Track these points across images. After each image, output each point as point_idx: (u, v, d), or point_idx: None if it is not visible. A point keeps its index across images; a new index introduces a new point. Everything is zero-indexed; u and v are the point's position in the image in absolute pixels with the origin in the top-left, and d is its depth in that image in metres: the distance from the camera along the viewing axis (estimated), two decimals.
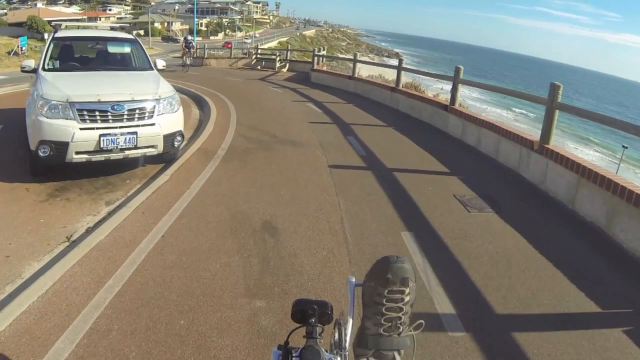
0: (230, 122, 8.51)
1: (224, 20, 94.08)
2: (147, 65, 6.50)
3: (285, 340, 1.06)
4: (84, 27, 7.22)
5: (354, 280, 1.24)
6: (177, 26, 79.01)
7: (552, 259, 3.66)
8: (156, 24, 75.74)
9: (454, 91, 8.78)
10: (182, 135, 5.55)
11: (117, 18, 76.01)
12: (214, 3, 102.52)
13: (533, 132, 7.13)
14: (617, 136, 35.62)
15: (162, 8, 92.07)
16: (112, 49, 6.85)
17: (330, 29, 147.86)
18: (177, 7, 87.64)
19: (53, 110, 4.73)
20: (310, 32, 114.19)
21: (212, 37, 74.87)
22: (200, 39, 57.84)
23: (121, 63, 6.60)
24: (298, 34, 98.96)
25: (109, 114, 4.86)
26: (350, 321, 1.27)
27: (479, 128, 7.37)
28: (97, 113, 4.81)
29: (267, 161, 6.00)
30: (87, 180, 5.18)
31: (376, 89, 12.52)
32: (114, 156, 4.98)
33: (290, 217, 4.19)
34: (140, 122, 5.02)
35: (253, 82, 16.79)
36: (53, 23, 6.93)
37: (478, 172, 6.11)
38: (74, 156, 4.77)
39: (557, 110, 5.63)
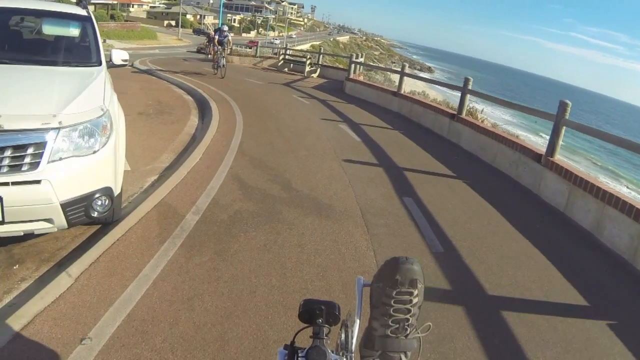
0: (229, 150, 5.93)
1: (258, 18, 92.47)
2: (93, 58, 3.97)
3: (292, 340, 1.02)
4: None
5: (362, 280, 1.17)
6: (209, 20, 77.55)
7: None
8: (188, 16, 74.54)
9: (554, 137, 5.95)
10: (110, 196, 2.95)
11: (150, 7, 75.04)
12: (250, 0, 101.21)
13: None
14: None
15: (197, 1, 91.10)
16: (49, 29, 4.36)
17: (364, 37, 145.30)
18: (211, 1, 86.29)
19: None
20: (343, 38, 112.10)
21: (244, 34, 73.06)
22: (232, 34, 55.90)
23: (53, 52, 4.08)
24: (331, 39, 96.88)
25: None
26: (357, 322, 1.19)
27: (602, 205, 4.60)
28: None
29: (264, 256, 3.26)
30: None
31: (429, 113, 9.74)
32: None
33: None
34: (11, 177, 2.45)
35: (276, 87, 14.23)
36: None
37: (629, 307, 3.37)
38: None
39: None
